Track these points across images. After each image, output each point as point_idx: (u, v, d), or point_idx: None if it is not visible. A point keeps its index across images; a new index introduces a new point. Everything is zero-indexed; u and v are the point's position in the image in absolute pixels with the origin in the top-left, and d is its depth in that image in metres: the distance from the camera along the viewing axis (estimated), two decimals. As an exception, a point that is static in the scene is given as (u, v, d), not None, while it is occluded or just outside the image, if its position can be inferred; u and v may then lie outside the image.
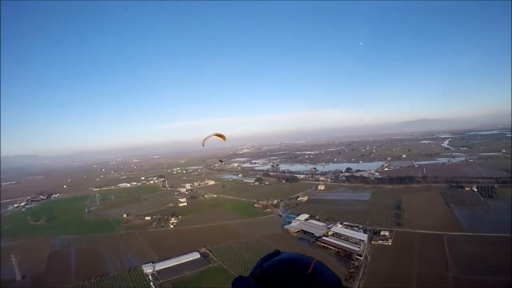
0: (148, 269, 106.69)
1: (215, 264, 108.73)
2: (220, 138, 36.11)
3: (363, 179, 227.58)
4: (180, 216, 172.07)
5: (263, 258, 4.07)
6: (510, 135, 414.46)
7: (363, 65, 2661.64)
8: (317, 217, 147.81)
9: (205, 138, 36.02)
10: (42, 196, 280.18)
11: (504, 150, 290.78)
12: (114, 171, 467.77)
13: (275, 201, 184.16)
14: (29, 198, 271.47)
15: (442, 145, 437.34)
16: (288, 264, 3.70)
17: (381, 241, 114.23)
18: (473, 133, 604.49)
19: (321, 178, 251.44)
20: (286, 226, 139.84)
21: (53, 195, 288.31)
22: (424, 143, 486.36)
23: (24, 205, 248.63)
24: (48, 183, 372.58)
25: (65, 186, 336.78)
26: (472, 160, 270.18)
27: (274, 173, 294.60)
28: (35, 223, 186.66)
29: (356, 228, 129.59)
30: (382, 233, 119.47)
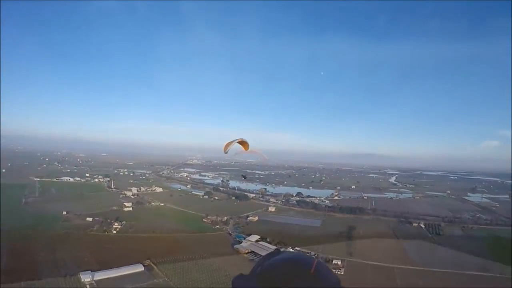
0: (86, 277, 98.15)
1: (160, 280, 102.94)
2: (242, 147, 31.22)
3: (314, 205, 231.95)
4: (124, 222, 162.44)
5: (264, 257, 4.10)
6: (454, 177, 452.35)
7: (318, 93, 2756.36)
8: (268, 240, 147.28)
9: (228, 144, 30.64)
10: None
11: (449, 191, 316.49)
12: (58, 163, 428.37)
13: (225, 218, 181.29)
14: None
15: (390, 180, 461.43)
16: (290, 264, 3.78)
17: (334, 270, 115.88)
18: (419, 172, 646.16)
19: (272, 199, 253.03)
20: (236, 246, 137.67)
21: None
22: (372, 176, 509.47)
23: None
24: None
25: (4, 170, 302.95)
26: (418, 198, 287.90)
27: (224, 189, 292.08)
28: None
29: (308, 254, 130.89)
30: (334, 261, 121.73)
